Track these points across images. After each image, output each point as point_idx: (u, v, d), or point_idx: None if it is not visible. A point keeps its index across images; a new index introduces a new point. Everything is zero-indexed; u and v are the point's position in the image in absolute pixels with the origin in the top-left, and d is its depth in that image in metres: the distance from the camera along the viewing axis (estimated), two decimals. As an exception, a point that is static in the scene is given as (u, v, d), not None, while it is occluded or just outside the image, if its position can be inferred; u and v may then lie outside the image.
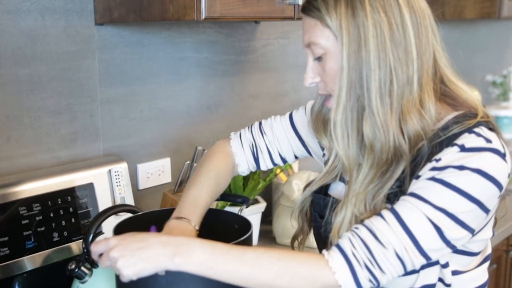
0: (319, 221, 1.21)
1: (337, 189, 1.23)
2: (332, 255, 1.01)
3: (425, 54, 1.06)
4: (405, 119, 1.05)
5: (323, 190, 1.24)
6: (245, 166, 1.37)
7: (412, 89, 1.05)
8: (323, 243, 1.20)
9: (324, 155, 1.32)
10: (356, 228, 1.03)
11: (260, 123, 1.39)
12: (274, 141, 1.36)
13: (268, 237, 2.02)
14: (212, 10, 1.40)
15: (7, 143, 1.50)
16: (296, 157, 1.39)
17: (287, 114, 1.38)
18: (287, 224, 1.93)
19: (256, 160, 1.37)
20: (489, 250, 1.18)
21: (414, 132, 1.05)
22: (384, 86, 1.03)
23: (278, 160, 1.38)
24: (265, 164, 1.38)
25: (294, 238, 1.33)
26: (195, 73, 1.93)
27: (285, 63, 2.24)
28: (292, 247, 1.33)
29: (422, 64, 1.06)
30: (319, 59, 1.10)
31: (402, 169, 1.06)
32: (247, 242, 1.18)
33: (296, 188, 1.91)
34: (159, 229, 1.21)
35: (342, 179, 1.22)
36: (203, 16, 1.39)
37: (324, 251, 1.03)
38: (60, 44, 1.56)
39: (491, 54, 3.60)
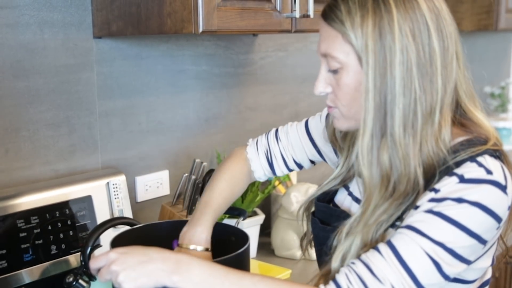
0: (319, 227, 1.21)
1: (340, 198, 1.23)
2: None
3: (449, 83, 1.03)
4: (422, 150, 1.01)
5: (328, 197, 1.24)
6: (260, 172, 1.38)
7: (433, 120, 1.01)
8: (321, 249, 1.19)
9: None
10: (353, 263, 1.00)
11: (276, 130, 1.40)
12: (289, 147, 1.36)
13: (266, 249, 2.01)
14: (210, 23, 1.40)
15: (5, 156, 1.50)
16: (312, 162, 1.38)
17: (304, 121, 1.38)
18: (286, 236, 1.93)
19: (271, 165, 1.37)
20: (488, 276, 1.15)
21: (427, 162, 1.01)
22: (408, 115, 0.99)
23: (293, 166, 1.38)
24: (281, 170, 1.38)
25: (302, 239, 1.33)
26: (194, 85, 1.94)
27: (284, 76, 2.25)
28: (301, 246, 1.33)
29: (445, 93, 1.02)
30: (334, 71, 1.05)
31: (411, 201, 1.02)
32: (244, 255, 1.18)
33: (295, 200, 1.91)
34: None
35: (345, 187, 1.23)
36: (200, 30, 1.39)
37: (321, 286, 1.01)
38: (58, 57, 1.57)
39: (489, 66, 3.61)
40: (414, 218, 0.99)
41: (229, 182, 1.31)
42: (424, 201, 0.99)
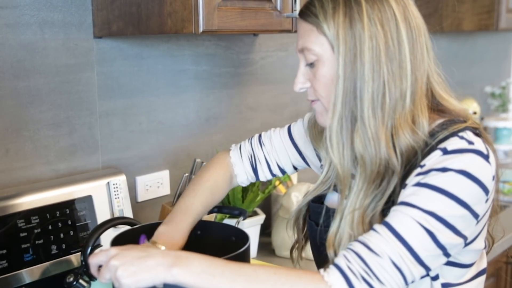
0: (315, 229, 1.22)
1: (332, 199, 1.24)
2: (328, 272, 1.00)
3: (419, 70, 1.06)
4: (397, 134, 1.05)
5: (319, 200, 1.25)
6: (243, 177, 1.39)
7: (404, 104, 1.05)
8: (318, 250, 1.21)
9: (322, 165, 1.32)
10: (351, 244, 1.02)
11: (260, 135, 1.41)
12: (273, 152, 1.38)
13: (267, 249, 2.02)
14: (210, 23, 1.40)
15: (6, 156, 1.50)
16: (295, 168, 1.40)
17: (286, 126, 1.40)
18: (286, 236, 1.93)
19: (255, 170, 1.39)
20: (484, 264, 1.16)
21: (406, 146, 1.05)
22: (376, 98, 1.04)
23: (276, 171, 1.39)
24: (264, 175, 1.40)
25: (293, 248, 1.34)
26: (194, 85, 1.94)
27: (284, 75, 2.25)
28: (291, 257, 1.34)
29: (416, 80, 1.06)
30: (311, 65, 1.11)
31: (394, 184, 1.06)
32: (245, 255, 1.18)
33: (295, 200, 1.91)
34: (149, 238, 1.23)
35: (337, 190, 1.23)
36: (201, 30, 1.39)
37: (321, 270, 1.02)
38: (59, 57, 1.57)
39: (490, 66, 3.61)
40: (404, 194, 1.02)
41: (211, 190, 1.33)
42: (412, 177, 1.03)
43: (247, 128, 2.12)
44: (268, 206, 2.14)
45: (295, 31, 1.63)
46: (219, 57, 2.00)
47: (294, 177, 2.18)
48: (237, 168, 1.38)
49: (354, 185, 1.08)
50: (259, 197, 1.90)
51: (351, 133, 1.07)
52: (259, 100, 2.17)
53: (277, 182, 2.01)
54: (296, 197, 1.91)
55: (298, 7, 1.58)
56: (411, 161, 1.06)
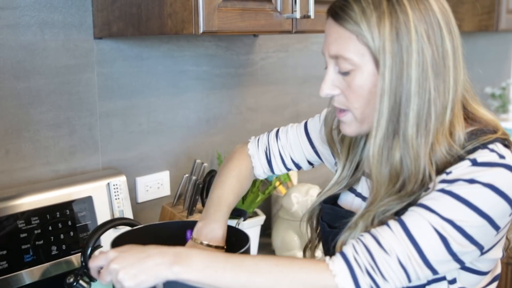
0: (328, 231, 1.21)
1: (346, 200, 1.23)
2: (334, 260, 1.00)
3: (459, 83, 1.04)
4: (434, 150, 1.02)
5: (332, 201, 1.25)
6: (260, 170, 1.39)
7: (444, 119, 1.02)
8: (329, 252, 1.20)
9: (336, 163, 1.32)
10: (361, 235, 1.01)
11: (278, 129, 1.41)
12: (287, 146, 1.37)
13: (267, 250, 2.02)
14: (210, 24, 1.40)
15: (6, 157, 1.50)
16: (310, 164, 1.39)
17: (303, 122, 1.39)
18: (286, 237, 1.93)
19: (270, 164, 1.38)
20: (498, 270, 1.15)
21: (441, 160, 1.02)
22: (421, 116, 1.00)
23: (291, 165, 1.39)
24: (279, 169, 1.39)
25: (306, 247, 1.33)
26: (194, 86, 1.94)
27: (284, 76, 2.25)
28: (304, 256, 1.33)
29: (456, 92, 1.03)
30: (344, 73, 1.05)
31: (419, 194, 1.03)
32: (245, 256, 1.18)
33: (295, 201, 1.91)
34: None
35: (351, 190, 1.22)
36: (201, 30, 1.39)
37: (326, 258, 1.01)
38: (59, 58, 1.57)
39: (490, 67, 3.61)
40: (425, 197, 1.00)
41: (237, 179, 1.32)
42: (436, 182, 1.01)
43: (247, 129, 2.12)
44: (268, 207, 2.14)
45: (295, 32, 1.63)
46: (219, 58, 2.00)
47: (294, 178, 2.18)
48: (254, 160, 1.38)
49: (378, 197, 1.06)
50: (259, 198, 1.90)
51: (389, 149, 1.03)
52: (260, 101, 2.17)
53: (277, 183, 2.01)
54: (296, 198, 1.91)
55: (298, 8, 1.58)
56: (441, 171, 1.03)
